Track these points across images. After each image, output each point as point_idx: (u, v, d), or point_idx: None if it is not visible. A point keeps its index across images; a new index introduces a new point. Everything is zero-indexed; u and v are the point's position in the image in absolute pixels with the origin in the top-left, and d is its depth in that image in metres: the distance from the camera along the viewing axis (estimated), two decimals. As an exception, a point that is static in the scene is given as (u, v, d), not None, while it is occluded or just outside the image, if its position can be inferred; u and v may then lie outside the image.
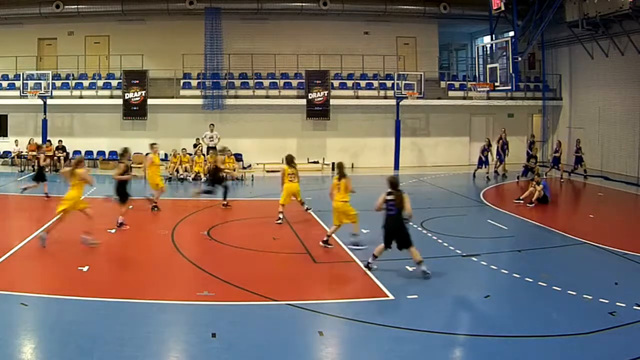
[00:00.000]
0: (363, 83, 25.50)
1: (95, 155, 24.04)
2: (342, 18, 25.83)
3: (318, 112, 24.28)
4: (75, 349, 6.44)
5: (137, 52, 24.32)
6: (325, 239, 11.20)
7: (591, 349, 6.70)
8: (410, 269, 9.77)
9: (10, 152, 23.37)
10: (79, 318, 7.38)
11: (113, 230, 12.31)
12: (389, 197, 9.28)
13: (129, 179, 13.04)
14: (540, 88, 26.16)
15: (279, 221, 13.18)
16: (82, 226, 10.87)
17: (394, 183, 9.49)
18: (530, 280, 9.15)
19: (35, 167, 22.12)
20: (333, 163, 24.40)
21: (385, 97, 24.96)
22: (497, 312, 7.98)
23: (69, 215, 10.82)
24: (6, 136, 24.13)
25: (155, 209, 14.90)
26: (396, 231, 9.30)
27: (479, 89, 23.15)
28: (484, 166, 21.84)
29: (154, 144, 15.96)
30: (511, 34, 22.55)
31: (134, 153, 23.40)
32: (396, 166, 24.72)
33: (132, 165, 22.01)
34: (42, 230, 11.14)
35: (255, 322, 7.46)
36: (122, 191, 12.83)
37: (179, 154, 20.71)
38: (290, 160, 13.71)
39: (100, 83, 24.43)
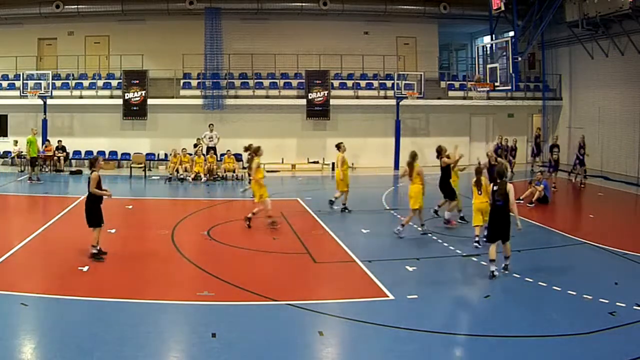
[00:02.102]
0: (363, 83, 25.50)
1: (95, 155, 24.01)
2: (342, 18, 25.84)
3: (318, 112, 24.29)
4: (75, 349, 6.44)
5: (137, 52, 24.33)
6: (477, 239, 10.99)
7: (591, 349, 6.70)
8: (410, 269, 9.77)
9: (10, 152, 23.36)
10: (79, 318, 7.38)
11: (113, 230, 12.31)
12: (495, 188, 9.23)
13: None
14: (540, 88, 26.17)
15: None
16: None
17: (500, 172, 9.34)
18: (530, 280, 9.14)
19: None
20: (333, 163, 24.45)
21: (385, 97, 24.96)
22: (497, 312, 7.98)
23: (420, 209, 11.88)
24: (6, 136, 24.12)
25: None
26: (502, 223, 9.15)
27: (479, 89, 23.13)
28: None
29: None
30: (511, 34, 22.56)
31: (134, 153, 23.53)
32: (396, 166, 24.72)
33: (132, 165, 22.26)
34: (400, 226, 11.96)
35: (255, 322, 7.46)
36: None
37: (179, 154, 20.70)
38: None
39: (100, 83, 24.43)
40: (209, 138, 22.49)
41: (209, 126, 22.73)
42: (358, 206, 15.22)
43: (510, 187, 9.09)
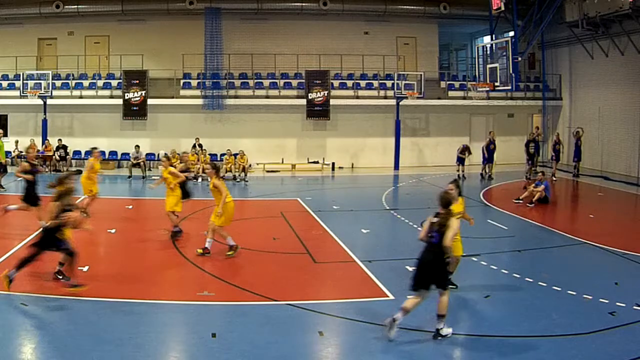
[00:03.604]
0: (363, 83, 25.51)
1: (95, 155, 24.02)
2: (342, 18, 25.86)
3: (318, 112, 24.30)
4: (75, 349, 6.44)
5: (137, 52, 24.34)
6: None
7: (591, 349, 6.69)
8: (410, 269, 9.75)
9: (10, 152, 23.33)
10: (78, 318, 7.38)
11: (113, 230, 12.30)
12: (435, 219, 7.15)
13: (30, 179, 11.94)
14: (540, 88, 26.17)
15: None
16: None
17: (446, 200, 7.35)
18: (530, 280, 9.15)
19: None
20: (333, 163, 24.47)
21: (385, 97, 24.97)
22: (497, 312, 7.98)
23: None
24: (6, 136, 24.09)
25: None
26: (435, 264, 7.01)
27: (479, 89, 23.15)
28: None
29: (95, 148, 14.65)
30: (511, 34, 22.58)
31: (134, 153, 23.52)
32: (396, 166, 24.75)
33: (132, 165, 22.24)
34: None
35: (255, 322, 7.46)
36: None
37: (178, 154, 20.64)
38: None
39: (100, 83, 24.44)
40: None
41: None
42: (358, 206, 15.23)
43: (453, 221, 7.06)
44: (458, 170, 21.80)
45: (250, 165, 23.15)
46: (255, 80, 25.08)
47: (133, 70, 23.75)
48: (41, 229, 8.48)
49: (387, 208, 15.85)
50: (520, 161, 23.74)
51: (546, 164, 23.69)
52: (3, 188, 17.50)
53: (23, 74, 22.92)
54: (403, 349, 6.73)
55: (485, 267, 10.04)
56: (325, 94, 24.12)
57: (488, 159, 21.77)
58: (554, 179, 20.86)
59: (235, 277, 9.17)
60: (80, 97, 24.02)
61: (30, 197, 11.92)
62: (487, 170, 21.85)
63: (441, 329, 6.95)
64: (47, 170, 22.45)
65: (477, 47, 25.05)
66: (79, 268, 9.39)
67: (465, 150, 21.97)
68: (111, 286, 8.73)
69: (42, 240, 8.41)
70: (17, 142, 23.09)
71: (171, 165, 12.32)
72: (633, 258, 10.48)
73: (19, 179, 12.24)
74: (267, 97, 24.61)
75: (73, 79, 24.43)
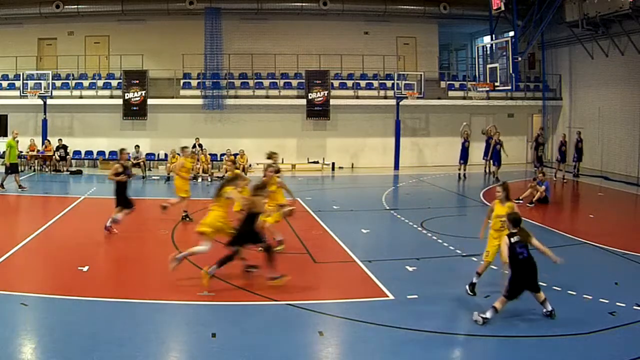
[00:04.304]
0: (363, 83, 25.51)
1: (95, 155, 24.05)
2: (342, 18, 25.87)
3: (318, 112, 24.30)
4: (76, 349, 6.44)
5: (137, 52, 24.34)
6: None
7: (591, 349, 6.70)
8: (410, 269, 9.77)
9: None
10: (79, 318, 7.38)
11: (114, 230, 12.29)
12: (513, 239, 7.62)
13: (123, 180, 12.28)
14: (540, 88, 26.17)
15: None
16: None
17: (516, 219, 7.80)
18: (530, 280, 9.13)
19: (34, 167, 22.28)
20: (333, 163, 24.47)
21: (385, 97, 24.97)
22: (497, 312, 7.97)
23: None
24: (6, 136, 24.08)
25: (187, 218, 13.54)
26: (530, 275, 7.60)
27: (479, 89, 23.15)
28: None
29: (185, 147, 14.74)
30: (511, 34, 22.58)
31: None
32: (396, 166, 24.75)
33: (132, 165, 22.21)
34: None
35: (255, 322, 7.46)
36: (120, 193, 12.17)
37: (178, 154, 20.63)
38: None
39: (100, 83, 24.44)
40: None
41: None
42: (358, 206, 15.23)
43: (530, 234, 7.72)
44: (460, 170, 21.80)
45: (250, 165, 23.14)
46: (255, 80, 25.09)
47: (133, 70, 23.75)
48: (243, 217, 8.61)
49: (387, 208, 15.84)
50: (520, 161, 23.77)
51: (546, 164, 23.67)
52: (3, 188, 17.47)
53: (23, 74, 22.92)
54: (402, 349, 6.73)
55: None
56: (325, 94, 24.12)
57: (493, 159, 21.63)
58: (559, 179, 20.67)
59: (235, 277, 9.16)
60: (80, 97, 24.01)
61: (123, 200, 12.01)
62: (487, 170, 21.88)
63: (549, 310, 7.58)
64: (47, 170, 22.38)
65: (477, 47, 25.07)
66: (79, 268, 9.40)
67: (467, 131, 21.83)
68: (111, 286, 8.73)
69: (240, 236, 8.50)
70: (17, 142, 23.04)
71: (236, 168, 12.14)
72: (633, 258, 10.48)
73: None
74: (267, 97, 24.61)
75: (73, 79, 24.43)
